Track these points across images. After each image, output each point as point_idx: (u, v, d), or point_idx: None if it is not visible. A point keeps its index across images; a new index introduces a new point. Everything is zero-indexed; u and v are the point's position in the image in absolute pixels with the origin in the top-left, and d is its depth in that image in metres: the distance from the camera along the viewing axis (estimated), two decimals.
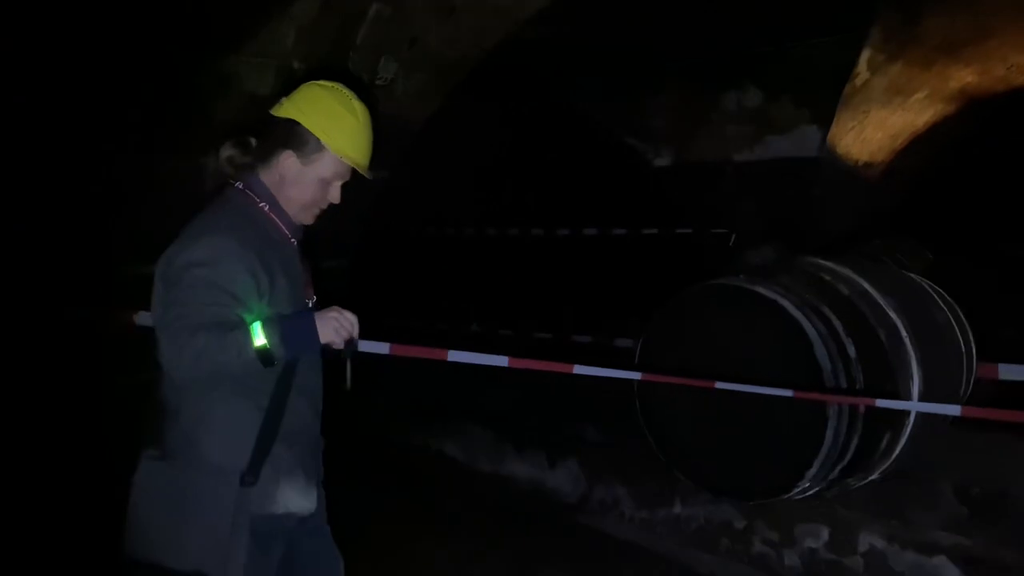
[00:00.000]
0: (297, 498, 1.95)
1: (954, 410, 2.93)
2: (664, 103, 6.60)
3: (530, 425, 5.21)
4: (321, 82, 2.02)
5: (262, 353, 1.75)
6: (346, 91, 2.02)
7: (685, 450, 3.87)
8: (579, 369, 2.97)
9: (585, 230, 7.25)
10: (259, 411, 1.87)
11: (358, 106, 1.99)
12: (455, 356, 3.25)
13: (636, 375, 3.41)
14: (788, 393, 2.97)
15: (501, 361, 3.00)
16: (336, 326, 1.84)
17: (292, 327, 1.82)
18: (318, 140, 1.93)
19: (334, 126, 1.94)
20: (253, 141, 2.02)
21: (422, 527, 4.13)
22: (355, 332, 1.88)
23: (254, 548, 1.84)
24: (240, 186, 1.98)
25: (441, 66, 4.39)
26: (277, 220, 1.98)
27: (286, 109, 1.97)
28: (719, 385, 3.03)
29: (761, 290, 3.65)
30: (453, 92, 4.69)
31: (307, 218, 2.04)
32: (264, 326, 1.77)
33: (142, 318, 2.86)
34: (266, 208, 1.97)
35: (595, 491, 4.59)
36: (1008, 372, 3.75)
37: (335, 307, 1.88)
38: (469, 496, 4.73)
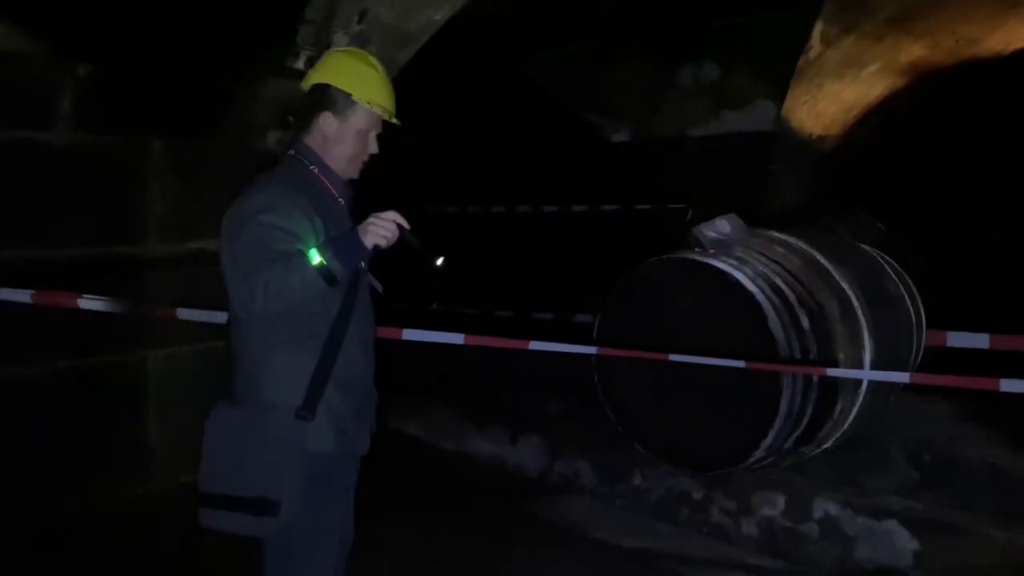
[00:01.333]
0: (349, 440, 2.13)
1: (903, 377, 2.99)
2: (622, 78, 6.58)
3: (492, 402, 5.22)
4: (339, 48, 2.39)
5: (321, 271, 1.91)
6: (362, 51, 2.27)
7: (644, 423, 3.91)
8: (535, 345, 2.98)
9: (545, 207, 7.24)
10: (313, 357, 2.03)
11: (375, 61, 2.20)
12: (410, 335, 3.24)
13: (592, 349, 3.42)
14: (740, 364, 3.00)
15: (457, 339, 2.98)
16: (375, 228, 1.97)
17: (340, 241, 1.99)
18: (348, 95, 2.12)
19: (359, 81, 2.14)
20: (291, 119, 2.24)
21: (384, 506, 4.11)
22: (401, 221, 2.00)
23: (310, 482, 1.99)
24: (292, 153, 2.18)
25: (394, 39, 4.31)
26: (326, 181, 2.16)
27: (315, 77, 2.18)
28: (673, 357, 3.05)
29: (716, 263, 3.68)
30: (407, 67, 4.62)
31: (353, 171, 2.22)
32: (318, 248, 1.94)
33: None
34: (316, 170, 2.15)
35: (556, 466, 4.61)
36: (956, 339, 3.83)
37: (372, 215, 2.00)
38: (430, 474, 4.73)
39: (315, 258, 1.91)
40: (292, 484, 1.96)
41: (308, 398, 2.00)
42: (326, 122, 2.14)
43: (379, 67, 2.20)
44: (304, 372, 2.01)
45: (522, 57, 6.86)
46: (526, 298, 6.60)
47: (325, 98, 2.14)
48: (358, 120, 2.15)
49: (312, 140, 2.17)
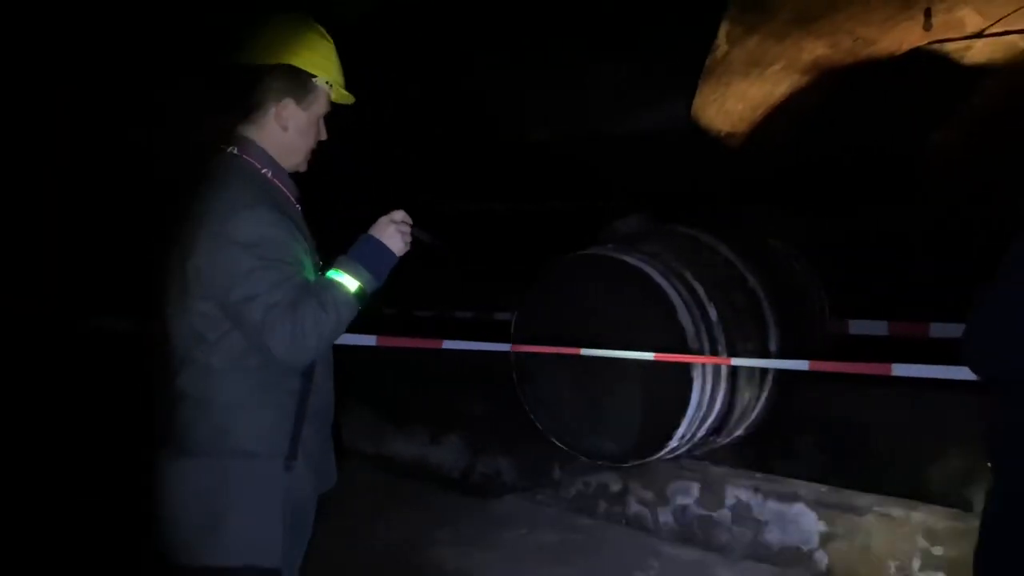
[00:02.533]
0: (325, 477, 1.92)
1: (802, 365, 3.10)
2: (539, 77, 6.63)
3: (413, 403, 5.19)
4: (286, 15, 1.83)
5: (359, 295, 1.72)
6: (309, 17, 1.87)
7: (561, 418, 3.96)
8: (448, 344, 2.97)
9: (465, 205, 7.23)
10: (293, 395, 1.77)
11: (324, 30, 1.86)
12: None
13: (505, 346, 3.43)
14: (649, 356, 3.06)
15: (369, 340, 2.95)
16: (394, 231, 1.79)
17: (366, 256, 1.76)
18: (311, 77, 1.81)
19: (322, 58, 1.83)
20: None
21: None
22: (408, 220, 1.83)
23: (288, 531, 1.79)
24: (233, 151, 1.81)
25: None
26: (281, 185, 1.84)
27: (265, 54, 1.79)
28: (584, 352, 3.09)
29: (627, 259, 3.75)
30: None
31: (303, 165, 1.92)
32: (344, 271, 1.72)
33: None
34: (269, 175, 1.81)
35: (478, 464, 4.62)
36: (857, 327, 4.00)
37: (382, 218, 1.81)
38: (349, 477, 4.66)
39: (350, 283, 1.70)
40: (280, 544, 1.75)
41: (293, 441, 1.76)
42: (287, 111, 1.81)
43: (329, 37, 1.86)
44: (286, 413, 1.76)
45: (442, 55, 6.84)
46: (448, 297, 6.58)
47: (287, 81, 1.79)
48: (320, 106, 1.86)
49: (263, 136, 1.82)
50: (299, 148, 1.87)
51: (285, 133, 1.82)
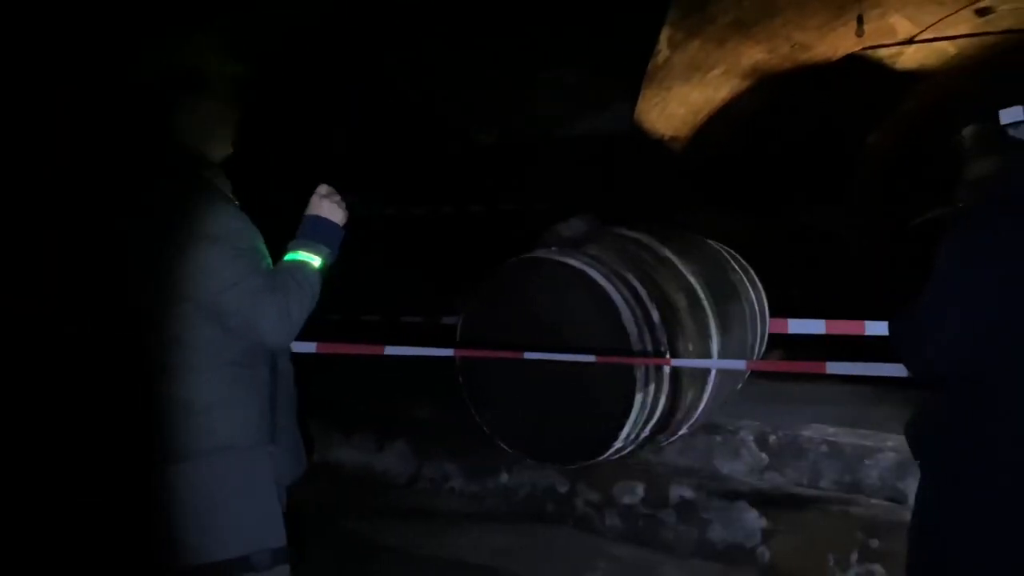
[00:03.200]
0: (298, 463, 2.01)
1: (740, 365, 3.15)
2: (487, 80, 6.64)
3: (359, 410, 5.13)
4: None
5: (322, 270, 1.83)
6: None
7: (508, 421, 3.95)
8: (390, 350, 2.94)
9: (413, 209, 7.18)
10: (261, 384, 1.86)
11: None
12: None
13: (448, 351, 3.42)
14: (591, 359, 3.07)
15: (308, 348, 2.91)
16: (328, 204, 1.90)
17: (320, 233, 1.87)
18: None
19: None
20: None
21: None
22: (334, 190, 1.93)
23: None
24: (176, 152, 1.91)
25: None
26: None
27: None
28: (528, 355, 3.09)
29: (570, 261, 3.76)
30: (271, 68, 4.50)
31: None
32: (303, 250, 1.82)
33: None
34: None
35: (424, 469, 4.59)
36: (797, 326, 4.07)
37: (312, 197, 1.91)
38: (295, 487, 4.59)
39: (312, 260, 1.82)
40: (282, 522, 1.86)
41: (271, 429, 1.85)
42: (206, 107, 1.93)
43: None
44: (261, 404, 1.84)
45: (388, 60, 6.79)
46: (395, 301, 6.53)
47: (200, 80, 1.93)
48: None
49: (192, 134, 1.92)
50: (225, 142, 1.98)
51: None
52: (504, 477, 4.29)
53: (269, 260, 1.85)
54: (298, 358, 3.26)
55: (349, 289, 6.72)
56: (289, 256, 1.85)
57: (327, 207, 1.90)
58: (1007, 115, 1.78)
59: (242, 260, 1.76)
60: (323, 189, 1.91)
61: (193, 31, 1.96)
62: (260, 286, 1.75)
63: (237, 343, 1.78)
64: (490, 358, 3.63)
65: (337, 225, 1.90)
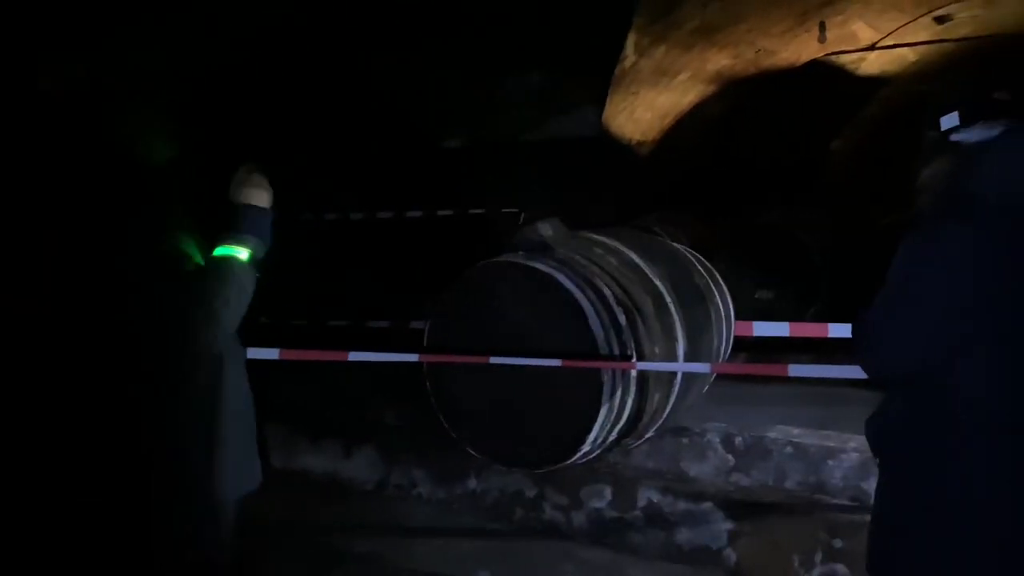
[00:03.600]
0: (253, 474, 2.02)
1: (704, 368, 3.17)
2: (454, 84, 6.62)
3: (326, 416, 5.09)
4: None
5: (251, 261, 1.80)
6: None
7: (475, 426, 3.94)
8: (354, 356, 2.92)
9: (380, 213, 7.15)
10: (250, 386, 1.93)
11: None
12: None
13: (413, 356, 3.40)
14: (557, 363, 3.08)
15: (271, 354, 2.88)
16: (249, 188, 1.84)
17: (244, 221, 1.82)
18: None
19: None
20: None
21: None
22: (255, 169, 1.89)
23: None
24: None
25: None
26: None
27: None
28: (493, 360, 3.09)
29: (538, 266, 3.76)
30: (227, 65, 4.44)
31: None
32: (226, 243, 1.78)
33: None
34: None
35: (392, 475, 4.56)
36: (761, 328, 4.11)
37: (232, 184, 1.84)
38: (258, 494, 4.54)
39: (240, 252, 1.77)
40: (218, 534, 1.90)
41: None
42: None
43: None
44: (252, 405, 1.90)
45: (355, 61, 6.76)
46: (363, 306, 6.49)
47: None
48: None
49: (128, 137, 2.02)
50: None
51: None
52: (472, 483, 4.28)
53: (199, 259, 1.82)
54: (264, 364, 3.23)
55: (317, 294, 6.69)
56: (215, 252, 1.79)
57: (249, 192, 1.83)
58: (946, 121, 1.82)
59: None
60: (241, 172, 1.85)
61: (131, 33, 1.91)
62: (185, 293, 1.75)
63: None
64: (458, 363, 3.61)
65: (263, 209, 1.83)
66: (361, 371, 4.40)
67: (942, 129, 1.82)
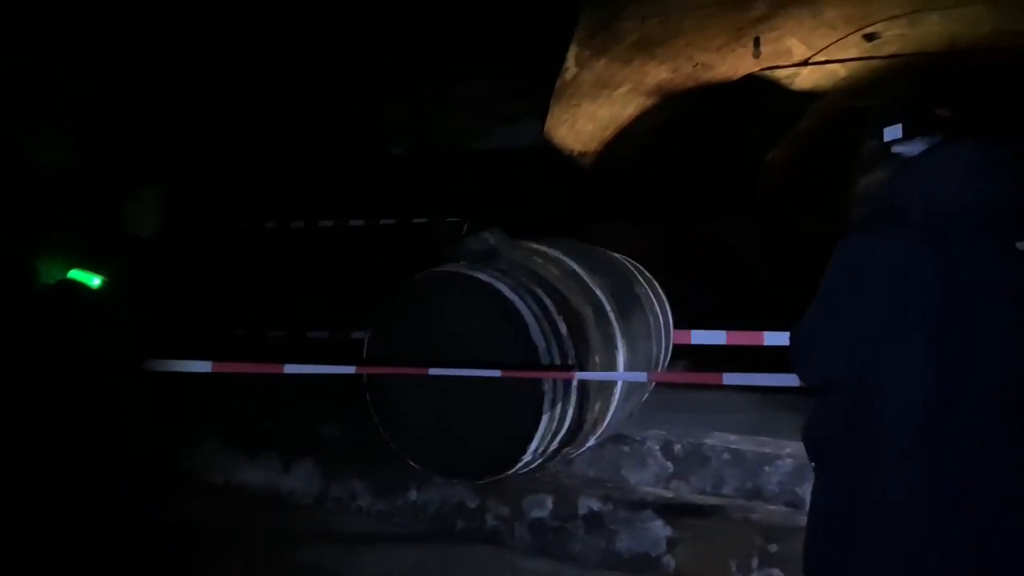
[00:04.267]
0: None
1: (641, 377, 3.21)
2: (398, 92, 6.60)
3: (265, 429, 4.99)
4: None
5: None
6: None
7: (416, 437, 3.90)
8: (290, 368, 2.87)
9: (321, 222, 7.06)
10: None
11: None
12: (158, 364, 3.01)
13: (350, 369, 3.36)
14: (496, 373, 3.08)
15: (204, 367, 2.81)
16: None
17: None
18: None
19: None
20: None
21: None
22: None
23: None
24: None
25: None
26: None
27: None
28: (432, 371, 3.07)
29: (479, 276, 3.75)
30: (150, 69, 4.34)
31: None
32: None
33: None
34: None
35: (332, 488, 4.49)
36: (699, 337, 4.17)
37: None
38: (197, 510, 4.42)
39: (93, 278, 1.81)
40: None
41: None
42: None
43: None
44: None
45: (300, 70, 6.68)
46: (303, 316, 6.39)
47: None
48: None
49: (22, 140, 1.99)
50: None
51: None
52: (413, 494, 4.24)
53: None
54: (200, 377, 3.16)
55: (255, 304, 6.56)
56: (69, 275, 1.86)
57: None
58: (890, 132, 1.87)
59: None
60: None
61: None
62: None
63: None
64: (396, 373, 3.58)
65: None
66: (301, 383, 4.34)
67: (884, 140, 1.87)
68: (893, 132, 1.87)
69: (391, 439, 3.93)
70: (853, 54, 6.60)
